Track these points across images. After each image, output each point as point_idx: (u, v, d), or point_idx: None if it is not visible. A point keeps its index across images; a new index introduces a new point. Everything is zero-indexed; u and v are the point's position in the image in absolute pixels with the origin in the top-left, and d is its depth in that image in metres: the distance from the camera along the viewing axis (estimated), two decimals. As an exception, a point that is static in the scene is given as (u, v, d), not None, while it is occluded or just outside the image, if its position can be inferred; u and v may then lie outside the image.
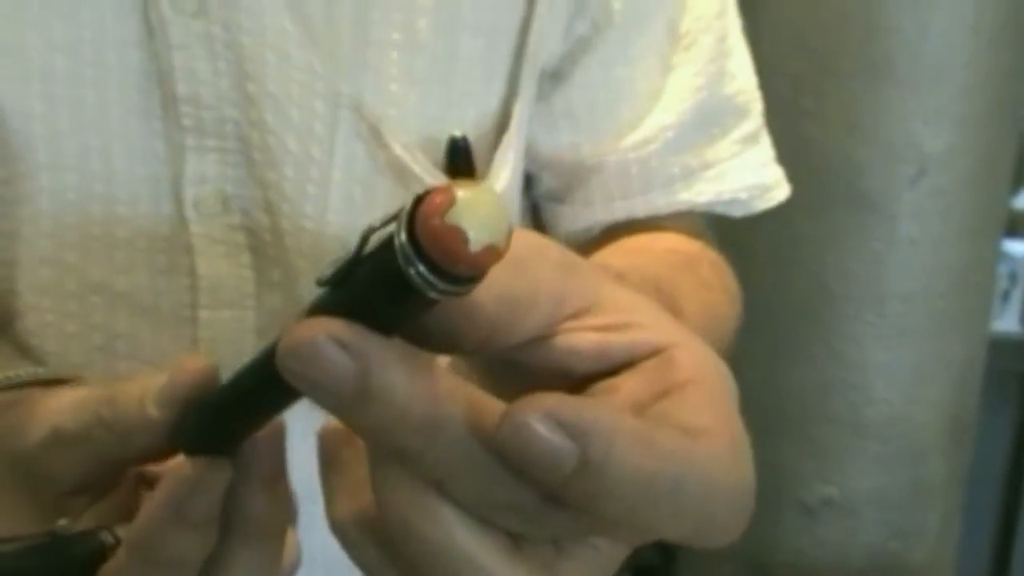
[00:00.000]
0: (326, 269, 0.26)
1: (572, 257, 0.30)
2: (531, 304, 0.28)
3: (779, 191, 0.64)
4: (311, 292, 0.61)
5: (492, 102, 0.56)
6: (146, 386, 0.34)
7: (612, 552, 0.29)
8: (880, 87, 0.98)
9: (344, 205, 0.55)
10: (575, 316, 0.29)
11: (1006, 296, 1.67)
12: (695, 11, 0.59)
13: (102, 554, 0.33)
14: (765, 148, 0.64)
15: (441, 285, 0.23)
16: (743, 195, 0.62)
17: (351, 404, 0.25)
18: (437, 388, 0.25)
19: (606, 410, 0.25)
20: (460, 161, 0.54)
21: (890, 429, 1.08)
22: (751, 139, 0.63)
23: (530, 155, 0.60)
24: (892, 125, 0.99)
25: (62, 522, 0.35)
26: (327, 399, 0.25)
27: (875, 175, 1.00)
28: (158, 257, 0.54)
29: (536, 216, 0.66)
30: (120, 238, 0.53)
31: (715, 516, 0.26)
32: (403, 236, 0.23)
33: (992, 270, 1.13)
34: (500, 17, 0.55)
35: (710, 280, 0.57)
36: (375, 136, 0.53)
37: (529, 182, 0.62)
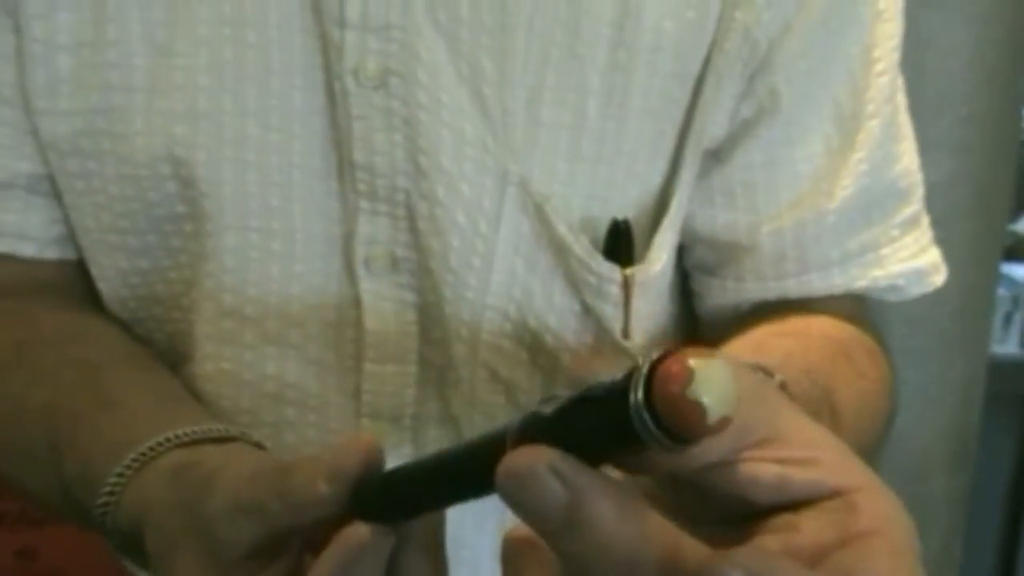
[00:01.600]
0: (544, 404, 0.28)
1: (759, 386, 0.31)
2: (721, 437, 0.29)
3: (937, 276, 0.63)
4: (468, 355, 0.61)
5: (655, 181, 0.57)
6: (319, 462, 0.37)
7: None
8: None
9: (506, 278, 0.56)
10: (758, 445, 0.30)
11: (1008, 319, 1.70)
12: (866, 95, 0.58)
13: None
14: (924, 231, 0.63)
15: (666, 443, 0.25)
16: (900, 281, 0.61)
17: (559, 531, 0.27)
18: (641, 527, 0.27)
19: (799, 570, 0.26)
20: (621, 244, 0.56)
21: (893, 449, 1.10)
22: (911, 223, 0.62)
23: (685, 228, 0.60)
24: (893, 155, 1.03)
25: None
26: (537, 522, 0.27)
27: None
28: (328, 312, 0.56)
29: (686, 282, 0.65)
30: (295, 294, 0.56)
31: None
32: (640, 396, 0.25)
33: (992, 294, 1.16)
34: (668, 100, 0.55)
35: (865, 369, 0.57)
36: (540, 213, 0.55)
37: (682, 251, 0.62)
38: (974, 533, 1.29)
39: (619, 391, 0.26)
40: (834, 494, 0.29)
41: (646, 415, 0.25)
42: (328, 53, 0.52)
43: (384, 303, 0.56)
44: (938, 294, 1.09)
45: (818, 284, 0.60)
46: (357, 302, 0.56)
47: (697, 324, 0.65)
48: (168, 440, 0.46)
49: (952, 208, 1.04)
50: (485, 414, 0.59)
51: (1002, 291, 1.49)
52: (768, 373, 0.41)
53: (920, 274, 0.62)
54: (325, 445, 0.57)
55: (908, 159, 0.61)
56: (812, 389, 0.47)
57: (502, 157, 0.54)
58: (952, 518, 1.17)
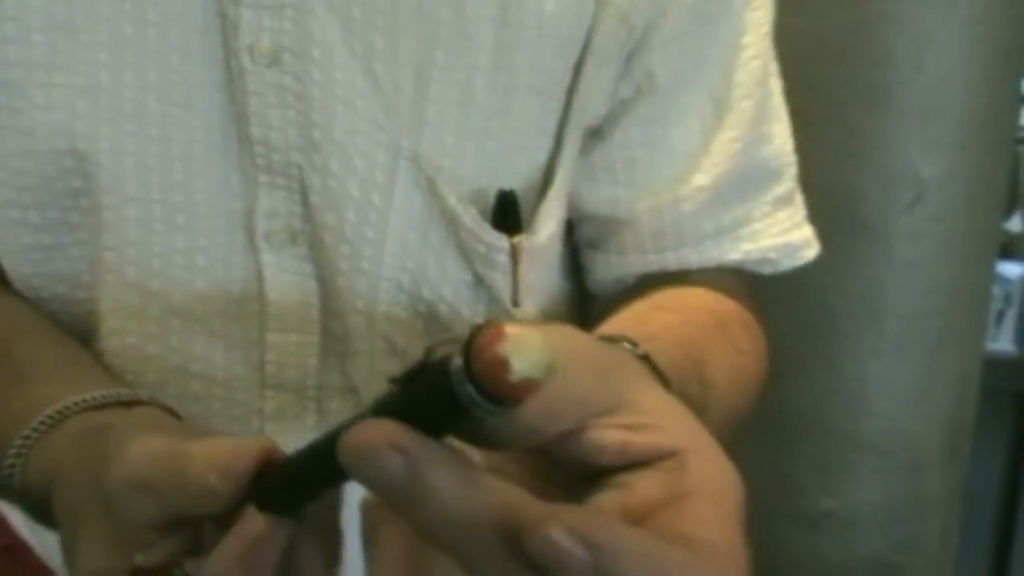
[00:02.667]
0: (398, 371, 0.31)
1: (608, 360, 0.34)
2: (565, 405, 0.32)
3: (808, 251, 0.66)
4: (366, 326, 0.65)
5: (541, 156, 0.59)
6: (212, 454, 0.38)
7: None
8: (878, 116, 1.02)
9: (399, 249, 0.58)
10: (604, 413, 0.33)
11: (1000, 316, 1.71)
12: (738, 78, 0.62)
13: None
14: (797, 209, 0.66)
15: (486, 406, 0.28)
16: (772, 255, 0.64)
17: (402, 501, 0.29)
18: (477, 493, 0.29)
19: (627, 532, 0.29)
20: (508, 214, 0.59)
21: (889, 443, 1.11)
22: (784, 200, 0.65)
23: (571, 205, 0.63)
24: (890, 153, 1.04)
25: (139, 557, 0.39)
26: (382, 494, 0.30)
27: (873, 200, 1.04)
28: (232, 285, 0.58)
29: (576, 259, 0.68)
30: (199, 267, 0.57)
31: None
32: (459, 361, 0.28)
33: (987, 290, 1.17)
34: (551, 79, 0.58)
35: (741, 343, 0.60)
36: (431, 186, 0.57)
37: (571, 228, 0.65)
38: (969, 528, 1.30)
39: (445, 360, 0.28)
40: (670, 455, 0.33)
41: (463, 375, 0.27)
42: (225, 30, 0.54)
43: (285, 275, 0.57)
44: (934, 290, 1.11)
45: (694, 257, 0.63)
46: (259, 275, 0.57)
47: (589, 300, 0.69)
48: (76, 404, 0.47)
49: (949, 205, 1.05)
50: (385, 385, 0.61)
51: (995, 289, 1.50)
52: (633, 343, 0.43)
53: (791, 248, 0.65)
54: (230, 419, 0.59)
55: (780, 141, 0.65)
56: (685, 361, 0.49)
57: (394, 132, 0.56)
58: (948, 513, 1.18)
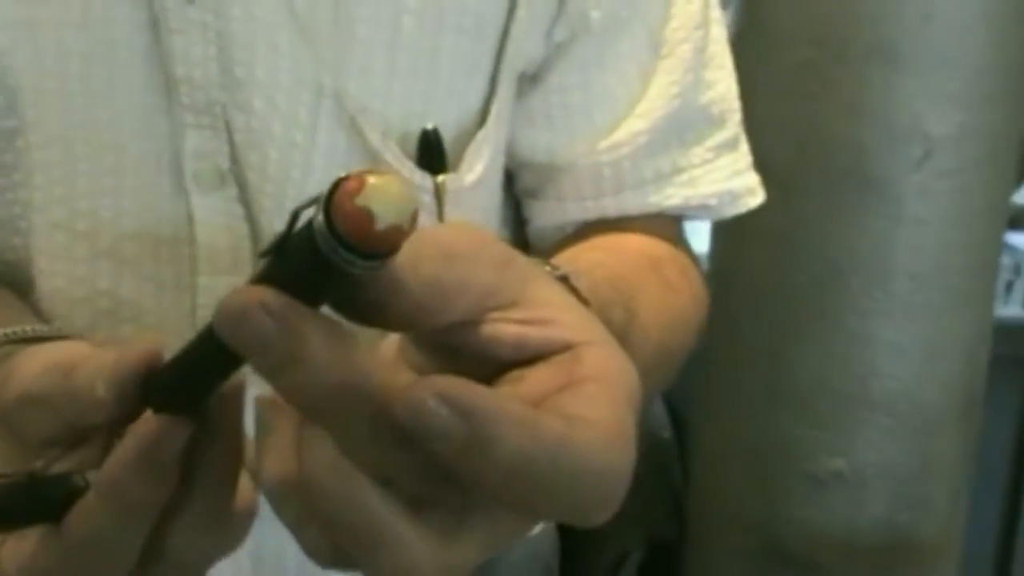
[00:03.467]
0: (264, 244, 0.29)
1: (510, 255, 0.34)
2: (459, 292, 0.31)
3: (751, 198, 0.66)
4: None
5: (472, 100, 0.59)
6: (100, 365, 0.37)
7: (514, 525, 0.32)
8: (887, 71, 1.01)
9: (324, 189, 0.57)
10: (502, 308, 0.33)
11: (1009, 287, 1.70)
12: (675, 22, 0.61)
13: (74, 496, 0.37)
14: (741, 156, 0.66)
15: (354, 260, 0.27)
16: (712, 201, 0.64)
17: (275, 366, 0.29)
18: (351, 359, 0.29)
19: (495, 395, 0.29)
20: (432, 153, 0.58)
21: (898, 404, 1.11)
22: (726, 146, 0.65)
23: (509, 152, 0.63)
24: (899, 108, 1.02)
25: (39, 464, 0.39)
26: (256, 360, 0.29)
27: (882, 157, 1.03)
28: (162, 227, 0.57)
29: (518, 211, 0.68)
30: (128, 208, 0.56)
31: (585, 498, 0.29)
32: (320, 217, 0.27)
33: (997, 249, 1.16)
34: (482, 19, 0.57)
35: (675, 283, 0.60)
36: (353, 125, 0.56)
37: (510, 178, 0.65)
38: (978, 493, 1.30)
39: (309, 221, 0.27)
40: (565, 348, 0.32)
41: (325, 229, 0.26)
42: None
43: (216, 218, 0.57)
44: (944, 248, 1.10)
45: (633, 203, 0.63)
46: (189, 217, 0.56)
47: (529, 251, 0.67)
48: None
49: (958, 161, 1.04)
50: None
51: (1004, 259, 1.50)
52: (554, 267, 0.42)
53: (733, 195, 0.64)
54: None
55: (723, 87, 0.64)
56: (609, 291, 0.49)
57: (316, 70, 0.55)
58: (959, 473, 1.18)
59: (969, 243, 1.09)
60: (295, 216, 0.28)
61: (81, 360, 0.39)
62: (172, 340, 0.58)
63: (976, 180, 1.06)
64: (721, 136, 0.64)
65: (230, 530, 0.39)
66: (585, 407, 0.30)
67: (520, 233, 0.68)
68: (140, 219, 0.57)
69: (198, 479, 0.37)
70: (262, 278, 0.29)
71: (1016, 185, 1.52)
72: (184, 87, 0.54)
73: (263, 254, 0.30)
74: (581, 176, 0.63)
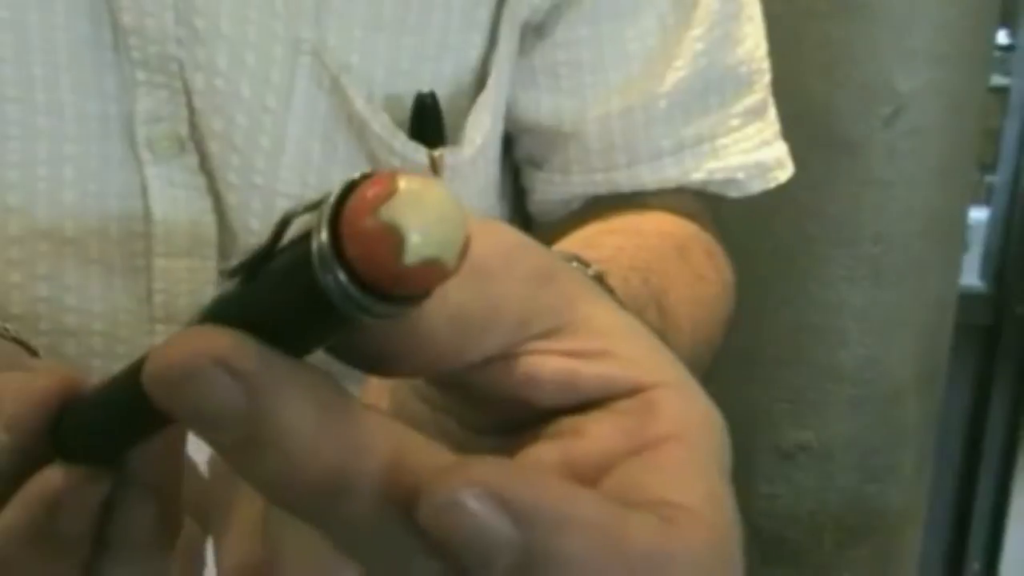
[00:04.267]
0: (234, 259, 0.20)
1: (550, 265, 0.25)
2: (490, 324, 0.23)
3: (781, 172, 0.59)
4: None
5: (470, 56, 0.52)
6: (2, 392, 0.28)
7: None
8: (854, 27, 0.98)
9: (299, 162, 0.50)
10: (544, 336, 0.24)
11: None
12: None
13: None
14: (769, 124, 0.58)
15: (366, 303, 0.18)
16: (739, 175, 0.57)
17: (237, 447, 0.19)
18: (352, 436, 0.20)
19: (564, 491, 0.20)
20: (427, 122, 0.51)
21: (865, 373, 1.08)
22: (753, 113, 0.57)
23: (509, 116, 0.55)
24: (866, 65, 0.99)
25: None
26: (207, 436, 0.20)
27: (850, 116, 1.00)
28: (110, 201, 0.50)
29: (518, 179, 0.61)
30: (68, 178, 0.49)
31: None
32: (323, 234, 0.17)
33: (964, 213, 1.14)
34: None
35: (703, 270, 0.53)
36: (335, 87, 0.49)
37: (508, 143, 0.57)
38: (939, 457, 1.29)
39: (304, 235, 0.18)
40: (631, 392, 0.24)
41: (329, 254, 0.17)
42: None
43: (174, 190, 0.49)
44: (911, 212, 1.07)
45: (649, 176, 0.55)
46: (143, 190, 0.49)
47: (530, 227, 0.60)
48: None
49: (926, 119, 1.01)
50: None
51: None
52: (584, 263, 0.34)
53: (762, 168, 0.57)
54: (113, 358, 0.50)
55: (752, 42, 0.57)
56: (641, 287, 0.42)
57: (293, 22, 0.48)
58: (923, 440, 1.16)
59: (934, 206, 1.06)
60: (283, 225, 0.19)
61: None
62: (124, 331, 0.51)
63: (943, 139, 1.03)
64: (749, 101, 0.57)
65: None
66: (673, 486, 0.21)
67: (518, 206, 0.60)
68: (83, 191, 0.49)
69: (115, 551, 0.28)
70: (220, 311, 0.20)
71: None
72: (134, 39, 0.47)
73: (229, 273, 0.20)
74: (590, 144, 0.55)
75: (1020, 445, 1.61)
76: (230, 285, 0.20)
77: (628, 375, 0.24)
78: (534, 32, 0.54)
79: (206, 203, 0.50)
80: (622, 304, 0.28)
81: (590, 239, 0.51)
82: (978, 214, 1.66)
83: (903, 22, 0.98)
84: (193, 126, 0.49)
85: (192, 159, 0.50)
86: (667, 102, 0.55)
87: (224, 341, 0.19)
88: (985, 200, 1.62)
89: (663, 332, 0.42)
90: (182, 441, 0.27)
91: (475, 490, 0.18)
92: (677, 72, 0.54)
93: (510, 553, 0.18)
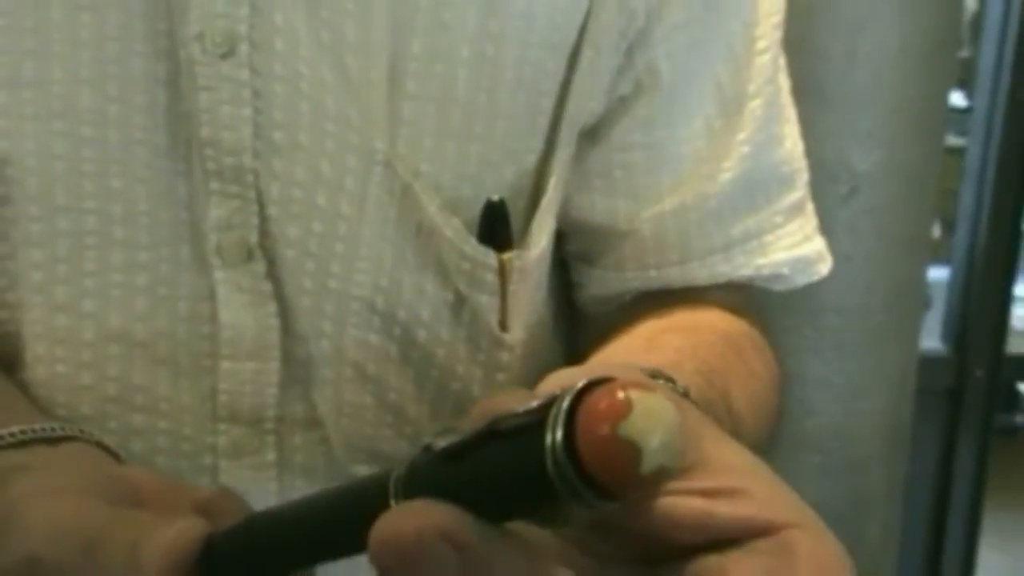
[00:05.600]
0: (438, 437, 0.23)
1: (681, 409, 0.27)
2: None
3: (822, 265, 0.61)
4: (333, 352, 0.58)
5: (530, 160, 0.54)
6: (137, 548, 0.31)
7: None
8: (812, 109, 1.01)
9: (372, 266, 0.52)
10: (679, 475, 0.26)
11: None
12: (746, 74, 0.56)
13: None
14: (809, 219, 0.61)
15: (590, 498, 0.20)
16: (784, 270, 0.59)
17: None
18: None
19: None
20: (497, 226, 0.52)
21: (830, 441, 1.11)
22: (795, 210, 0.60)
23: (562, 215, 0.57)
24: (825, 145, 1.03)
25: None
26: None
27: (811, 193, 1.03)
28: (179, 305, 0.51)
29: (566, 271, 0.62)
30: (140, 285, 0.51)
31: None
32: (559, 436, 0.20)
33: (921, 285, 1.17)
34: (542, 72, 0.52)
35: (755, 367, 0.55)
36: (407, 194, 0.51)
37: (559, 240, 0.59)
38: (906, 523, 1.30)
39: (533, 426, 0.20)
40: (765, 531, 0.26)
41: (565, 461, 0.20)
42: (172, 16, 0.48)
43: (241, 295, 0.51)
44: (870, 285, 1.11)
45: (701, 272, 0.58)
46: (211, 294, 0.51)
47: (576, 316, 0.62)
48: None
49: (884, 198, 1.05)
50: (353, 416, 0.55)
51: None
52: (669, 380, 0.37)
53: (806, 263, 0.61)
54: (178, 455, 0.52)
55: (791, 143, 0.60)
56: (709, 391, 0.44)
57: (366, 133, 0.50)
58: (889, 507, 1.18)
59: (893, 278, 1.10)
60: (496, 421, 0.21)
61: (102, 531, 0.32)
62: (189, 430, 0.53)
63: (899, 216, 1.07)
64: (791, 198, 0.59)
65: None
66: None
67: (560, 296, 0.61)
68: (154, 296, 0.51)
69: None
70: (429, 482, 0.22)
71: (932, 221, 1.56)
72: (209, 150, 0.48)
73: (435, 450, 0.22)
74: (644, 243, 0.57)
75: (985, 508, 1.63)
76: (426, 458, 0.22)
77: (763, 516, 0.26)
78: (590, 137, 0.56)
79: (271, 308, 0.51)
80: (715, 420, 0.30)
81: (651, 340, 0.52)
82: (940, 273, 1.69)
83: (858, 105, 1.02)
84: (264, 233, 0.50)
85: (260, 266, 0.51)
86: (717, 201, 0.57)
87: (446, 515, 0.21)
88: (947, 259, 1.66)
89: (735, 431, 0.43)
90: None
91: None
92: (726, 172, 0.56)
93: None
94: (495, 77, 0.51)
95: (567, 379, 0.24)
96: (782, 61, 0.60)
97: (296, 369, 0.53)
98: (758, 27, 0.57)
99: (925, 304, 1.78)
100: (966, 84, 1.93)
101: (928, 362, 1.45)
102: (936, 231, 1.82)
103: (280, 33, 0.48)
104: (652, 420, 0.20)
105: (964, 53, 1.96)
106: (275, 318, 0.52)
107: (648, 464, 0.20)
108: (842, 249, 1.05)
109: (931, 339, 1.64)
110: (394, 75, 0.50)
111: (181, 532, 0.31)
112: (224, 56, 0.47)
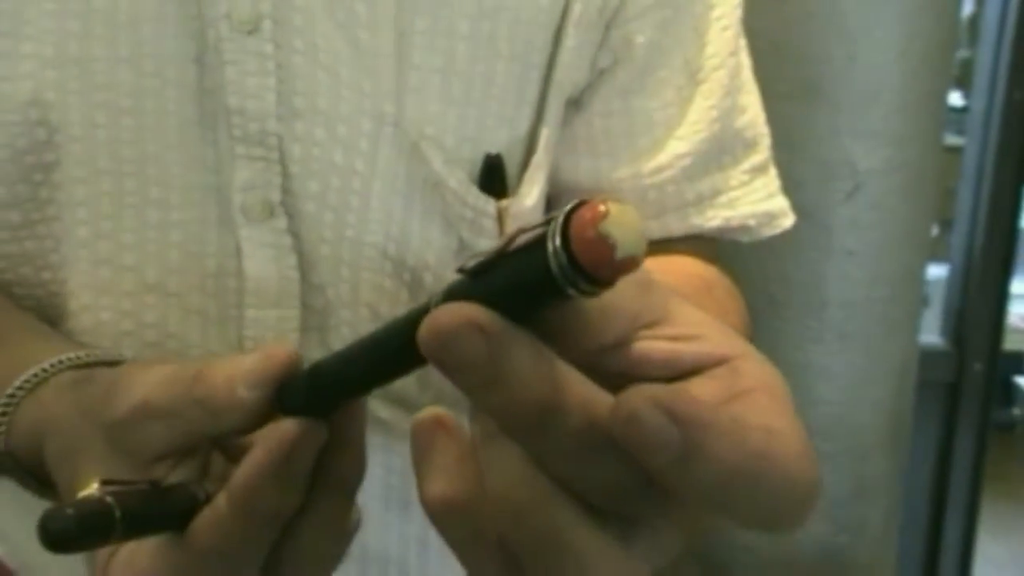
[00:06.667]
0: (468, 260, 0.29)
1: (647, 275, 0.33)
2: (613, 315, 0.31)
3: (784, 219, 0.67)
4: (351, 295, 0.63)
5: (522, 125, 0.59)
6: (236, 367, 0.37)
7: (671, 536, 0.31)
8: (816, 109, 1.05)
9: (383, 216, 0.57)
10: (648, 327, 0.32)
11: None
12: (711, 48, 0.63)
13: (194, 506, 0.37)
14: (772, 179, 0.67)
15: (583, 286, 0.26)
16: (751, 222, 0.65)
17: (483, 384, 0.28)
18: (557, 375, 0.28)
19: (707, 405, 0.27)
20: (494, 178, 0.58)
21: (834, 429, 1.14)
22: (759, 170, 0.66)
23: (552, 179, 0.63)
24: (828, 144, 1.06)
25: (157, 471, 0.38)
26: (461, 378, 0.28)
27: (813, 191, 1.07)
28: (208, 260, 0.56)
29: None
30: (174, 241, 0.55)
31: (786, 508, 0.28)
32: (557, 241, 0.26)
33: (922, 279, 1.21)
34: (531, 47, 0.58)
35: (727, 305, 0.61)
36: (415, 152, 0.56)
37: (551, 202, 0.65)
38: (907, 510, 1.34)
39: (539, 238, 0.27)
40: (719, 363, 0.32)
41: (563, 257, 0.26)
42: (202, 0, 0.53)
43: (264, 249, 0.56)
44: (873, 278, 1.14)
45: (676, 225, 0.63)
46: (237, 250, 0.56)
47: None
48: (61, 362, 0.46)
49: (884, 194, 1.08)
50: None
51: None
52: None
53: (769, 216, 0.66)
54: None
55: (753, 112, 0.65)
56: None
57: (377, 98, 0.55)
58: (891, 494, 1.21)
59: (894, 272, 1.13)
60: (511, 238, 0.28)
61: (205, 367, 0.38)
62: None
63: (900, 212, 1.10)
64: (755, 159, 0.65)
65: (349, 538, 0.38)
66: (766, 417, 0.29)
67: None
68: (186, 252, 0.56)
69: (324, 487, 0.36)
70: (463, 293, 0.29)
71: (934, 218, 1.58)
72: (236, 118, 0.54)
73: (466, 270, 0.29)
74: (624, 198, 0.62)
75: (983, 498, 1.66)
76: (459, 279, 0.29)
77: (716, 351, 0.32)
78: (575, 105, 0.62)
79: (291, 259, 0.56)
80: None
81: None
82: (938, 271, 1.72)
83: (861, 105, 1.05)
84: (286, 191, 0.55)
85: (281, 222, 0.56)
86: (689, 160, 0.62)
87: (475, 310, 0.28)
88: (944, 258, 1.69)
89: None
90: (364, 404, 0.36)
91: (650, 403, 0.26)
92: (696, 135, 0.62)
93: (674, 446, 0.26)
94: (491, 51, 0.57)
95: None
96: (743, 41, 0.66)
97: (313, 315, 0.58)
98: (718, 8, 0.63)
99: (923, 301, 1.82)
100: (963, 84, 1.96)
101: (927, 356, 1.48)
102: (934, 230, 1.85)
103: (299, 11, 0.53)
104: (624, 220, 0.26)
105: (962, 54, 1.99)
106: (295, 270, 0.56)
107: (622, 251, 0.26)
108: (845, 244, 1.09)
109: (930, 334, 1.67)
110: (401, 48, 0.55)
111: (268, 352, 0.37)
112: (250, 32, 0.53)
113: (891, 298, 1.13)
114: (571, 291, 0.27)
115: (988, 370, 1.64)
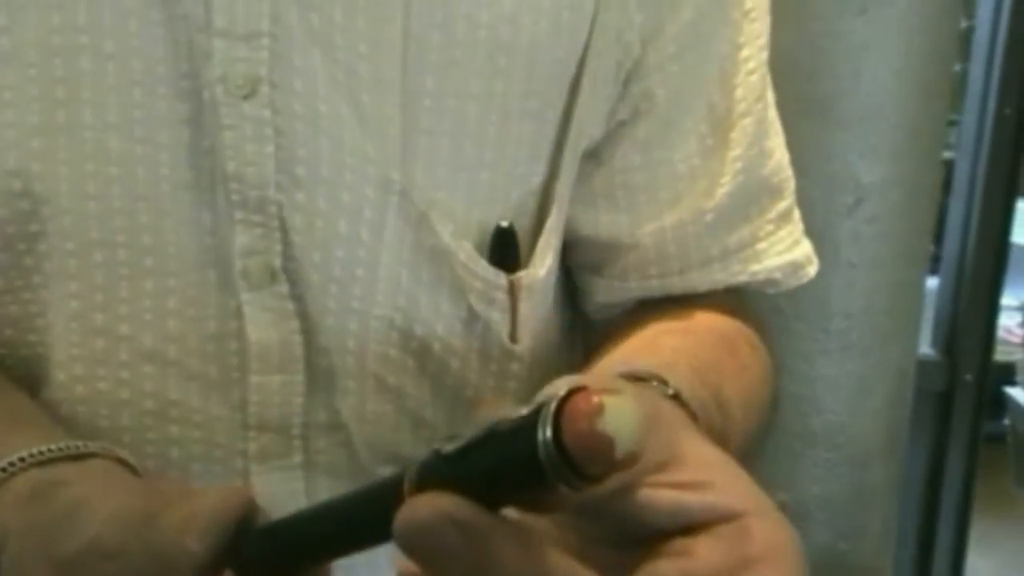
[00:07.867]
0: (446, 442, 0.27)
1: (656, 409, 0.32)
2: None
3: (810, 267, 0.65)
4: (356, 365, 0.58)
5: (535, 183, 0.57)
6: (188, 515, 0.36)
7: None
8: (822, 126, 1.08)
9: (390, 287, 0.55)
10: (655, 469, 0.31)
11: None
12: (738, 94, 0.59)
13: None
14: (796, 224, 0.65)
15: (576, 482, 0.25)
16: (777, 274, 0.63)
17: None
18: (546, 567, 0.27)
19: None
20: (507, 250, 0.56)
21: (836, 438, 1.16)
22: (784, 217, 0.64)
23: (568, 229, 0.61)
24: (831, 160, 1.09)
25: None
26: (441, 572, 0.27)
27: (817, 205, 1.09)
28: (208, 323, 0.54)
29: (570, 279, 0.65)
30: (171, 308, 0.54)
31: None
32: (548, 433, 0.25)
33: (920, 291, 1.23)
34: (546, 103, 0.55)
35: (748, 361, 0.59)
36: (423, 222, 0.54)
37: (566, 249, 0.62)
38: (902, 515, 1.36)
39: (527, 427, 0.26)
40: (728, 518, 0.31)
41: (555, 452, 0.25)
42: (195, 61, 0.50)
43: (266, 313, 0.54)
44: (874, 290, 1.16)
45: (700, 280, 0.61)
46: (238, 314, 0.54)
47: (581, 319, 0.66)
48: (23, 460, 0.44)
49: (887, 209, 1.10)
50: (374, 423, 0.58)
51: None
52: (663, 381, 0.41)
53: (795, 266, 0.64)
54: (212, 461, 0.55)
55: (779, 154, 0.63)
56: (702, 388, 0.48)
57: (383, 165, 0.52)
58: (888, 500, 1.24)
59: (895, 284, 1.16)
60: (493, 427, 0.26)
61: (160, 508, 0.37)
62: (221, 438, 0.56)
63: (901, 225, 1.13)
64: (781, 206, 0.63)
65: None
66: None
67: (570, 302, 0.64)
68: (184, 317, 0.54)
69: None
70: (440, 477, 0.27)
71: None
72: (234, 184, 0.51)
73: (443, 455, 0.27)
74: (646, 254, 0.60)
75: (974, 505, 1.69)
76: (434, 459, 0.27)
77: (726, 503, 0.31)
78: (593, 159, 0.59)
79: (294, 324, 0.54)
80: (694, 419, 0.36)
81: (651, 342, 0.56)
82: (930, 282, 1.75)
83: (863, 122, 1.08)
84: (288, 258, 0.53)
85: (283, 287, 0.54)
86: (714, 215, 0.60)
87: (454, 503, 0.26)
88: (933, 270, 1.71)
89: (724, 429, 0.47)
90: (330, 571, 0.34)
91: None
92: (722, 187, 0.60)
93: None
94: (504, 109, 0.54)
95: (553, 389, 0.29)
96: (768, 79, 0.63)
97: (320, 380, 0.56)
98: (745, 49, 0.60)
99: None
100: (954, 98, 1.98)
101: (920, 367, 1.50)
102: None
103: (299, 74, 0.50)
104: (621, 416, 0.25)
105: (953, 68, 2.02)
106: (298, 334, 0.54)
107: (621, 449, 0.25)
108: (848, 256, 1.11)
109: (922, 345, 1.69)
110: (408, 111, 0.52)
111: (225, 494, 0.35)
112: (246, 97, 0.50)
113: (891, 308, 1.16)
114: (565, 485, 0.26)
115: (979, 380, 1.66)
